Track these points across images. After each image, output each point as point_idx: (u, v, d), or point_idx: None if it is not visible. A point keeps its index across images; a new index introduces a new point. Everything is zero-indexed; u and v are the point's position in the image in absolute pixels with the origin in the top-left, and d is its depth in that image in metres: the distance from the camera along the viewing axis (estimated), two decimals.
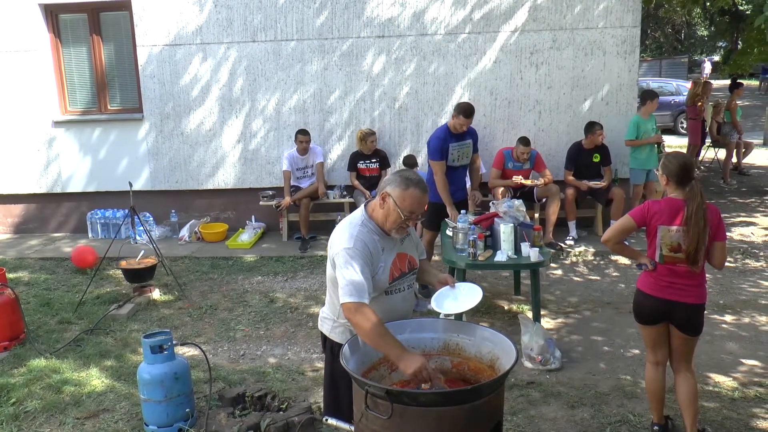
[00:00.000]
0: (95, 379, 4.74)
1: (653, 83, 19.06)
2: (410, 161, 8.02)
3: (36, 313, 6.08)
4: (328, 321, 3.08)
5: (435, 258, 6.90)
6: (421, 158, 8.07)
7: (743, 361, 4.87)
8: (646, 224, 3.62)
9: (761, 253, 7.34)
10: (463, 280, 5.37)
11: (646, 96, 8.12)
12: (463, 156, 6.12)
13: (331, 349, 3.06)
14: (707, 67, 33.90)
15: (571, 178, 7.77)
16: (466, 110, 5.92)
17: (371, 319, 2.66)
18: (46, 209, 9.00)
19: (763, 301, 6.03)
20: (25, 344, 5.31)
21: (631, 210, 3.81)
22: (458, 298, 3.03)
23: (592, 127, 7.59)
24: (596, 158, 7.75)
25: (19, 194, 8.89)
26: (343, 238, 2.84)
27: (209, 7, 8.15)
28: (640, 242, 6.98)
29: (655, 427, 3.86)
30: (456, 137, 6.02)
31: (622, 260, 7.17)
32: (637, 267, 3.78)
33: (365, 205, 2.98)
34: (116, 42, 8.63)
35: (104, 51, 8.64)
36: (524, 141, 7.52)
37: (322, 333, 3.14)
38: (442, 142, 5.95)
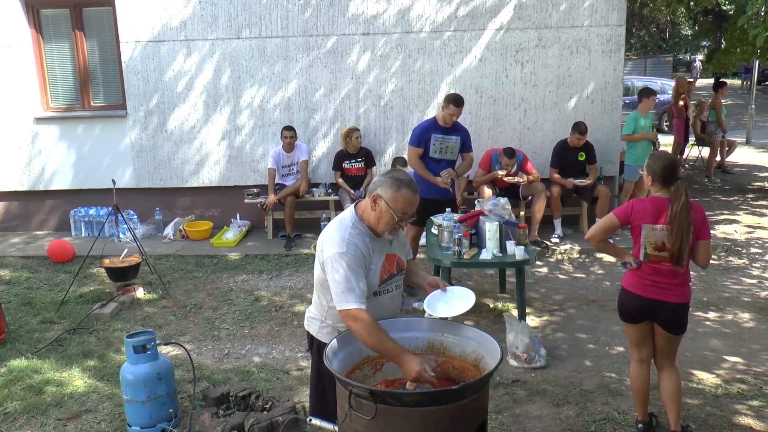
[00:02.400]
0: (77, 379, 4.69)
1: (638, 82, 19.17)
2: (402, 162, 7.96)
3: (17, 312, 6.01)
4: (315, 321, 3.07)
5: (420, 256, 6.88)
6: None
7: (726, 357, 4.91)
8: (630, 223, 3.62)
9: (744, 251, 7.41)
10: (449, 278, 5.37)
11: (643, 93, 8.16)
12: (447, 151, 6.10)
13: (318, 349, 3.04)
14: (698, 67, 34.10)
15: (556, 175, 7.79)
16: (456, 99, 5.94)
17: (370, 326, 2.67)
18: (28, 207, 8.89)
19: (745, 299, 6.09)
20: (6, 344, 5.23)
21: (615, 208, 3.82)
22: (450, 301, 3.01)
23: (576, 127, 7.61)
24: (582, 157, 7.78)
25: (0, 192, 8.78)
26: (335, 241, 2.80)
27: (193, 3, 8.08)
28: (626, 240, 7.02)
29: (639, 425, 3.88)
30: (442, 130, 6.03)
31: (607, 258, 7.20)
32: (621, 265, 3.79)
33: (355, 206, 2.95)
34: (99, 38, 8.53)
35: (87, 47, 8.54)
36: (509, 153, 7.48)
37: (308, 333, 3.13)
38: (424, 131, 6.04)
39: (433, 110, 8.22)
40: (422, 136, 6.02)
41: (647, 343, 3.77)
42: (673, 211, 3.46)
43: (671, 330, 3.66)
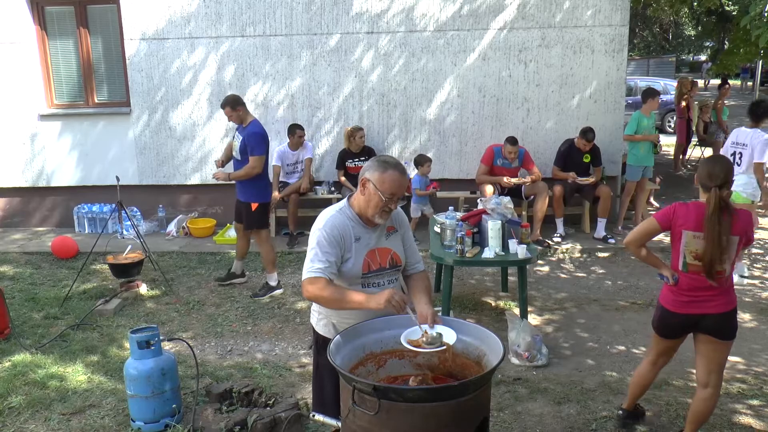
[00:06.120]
0: (81, 374, 4.71)
1: (641, 82, 19.15)
2: (420, 159, 7.89)
3: (21, 307, 6.03)
4: (315, 313, 3.12)
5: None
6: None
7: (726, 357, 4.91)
8: (671, 228, 3.43)
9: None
10: (451, 276, 5.38)
11: (647, 94, 8.17)
12: (234, 149, 6.25)
13: (316, 341, 3.11)
14: (706, 67, 34.02)
15: (560, 173, 7.80)
16: (221, 101, 6.19)
17: (325, 286, 2.74)
18: (30, 203, 8.92)
19: (746, 299, 6.09)
20: (10, 339, 5.26)
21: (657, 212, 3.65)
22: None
23: (585, 134, 7.63)
24: (587, 159, 7.80)
25: (2, 188, 8.81)
26: (319, 222, 2.90)
27: (198, 0, 8.10)
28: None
29: (620, 411, 3.91)
30: (239, 129, 6.20)
31: (609, 257, 7.21)
32: (658, 277, 3.59)
33: (348, 197, 3.02)
34: (104, 35, 8.56)
35: (91, 44, 8.56)
36: (512, 140, 7.53)
37: (312, 326, 3.17)
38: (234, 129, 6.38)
39: (436, 109, 8.24)
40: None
41: (670, 354, 3.69)
42: (706, 216, 3.28)
43: (718, 335, 3.44)
